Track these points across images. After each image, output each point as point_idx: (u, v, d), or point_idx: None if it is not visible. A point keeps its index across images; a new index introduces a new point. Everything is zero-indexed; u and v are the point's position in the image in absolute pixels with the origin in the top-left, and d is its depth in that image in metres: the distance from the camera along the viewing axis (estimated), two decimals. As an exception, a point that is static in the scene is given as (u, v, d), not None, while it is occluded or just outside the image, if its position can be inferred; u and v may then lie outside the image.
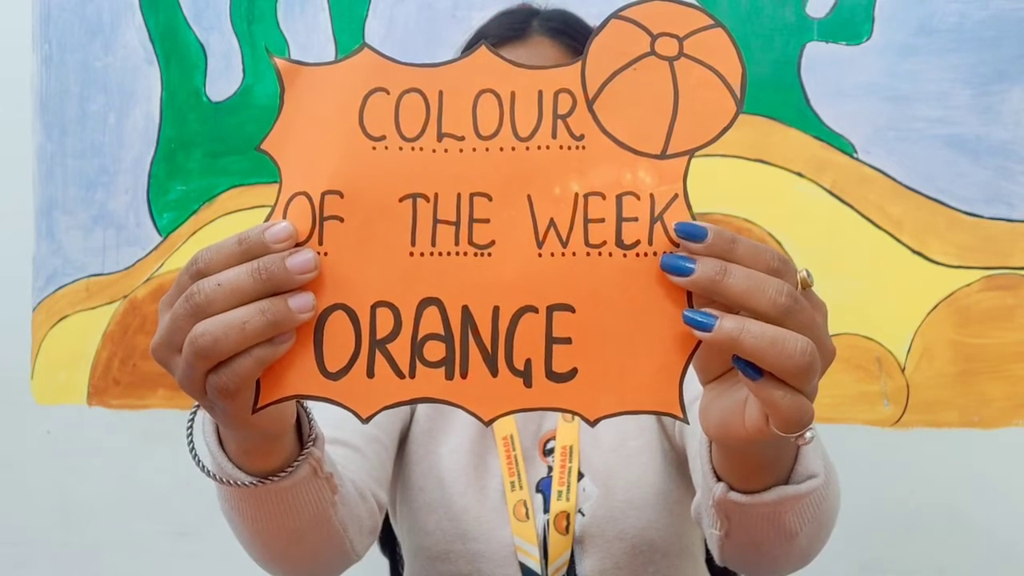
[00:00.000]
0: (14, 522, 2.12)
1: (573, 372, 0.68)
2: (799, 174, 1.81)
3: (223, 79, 2.02)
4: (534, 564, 1.21)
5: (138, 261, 2.06)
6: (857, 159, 1.79)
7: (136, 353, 2.05)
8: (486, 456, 1.28)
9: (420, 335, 0.68)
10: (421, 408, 1.31)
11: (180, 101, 2.04)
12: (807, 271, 0.68)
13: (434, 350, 0.68)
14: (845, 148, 1.79)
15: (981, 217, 1.75)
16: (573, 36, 1.30)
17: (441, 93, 0.70)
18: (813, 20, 1.80)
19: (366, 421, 0.68)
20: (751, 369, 0.65)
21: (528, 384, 0.68)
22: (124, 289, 2.06)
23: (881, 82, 1.78)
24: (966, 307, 1.76)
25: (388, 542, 1.47)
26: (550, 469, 1.26)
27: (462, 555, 1.23)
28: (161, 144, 2.04)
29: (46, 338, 2.10)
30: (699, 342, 0.67)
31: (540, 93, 0.70)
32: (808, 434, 0.69)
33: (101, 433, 2.08)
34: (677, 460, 1.27)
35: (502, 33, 1.31)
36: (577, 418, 1.25)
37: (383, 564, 1.50)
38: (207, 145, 2.02)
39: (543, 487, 1.25)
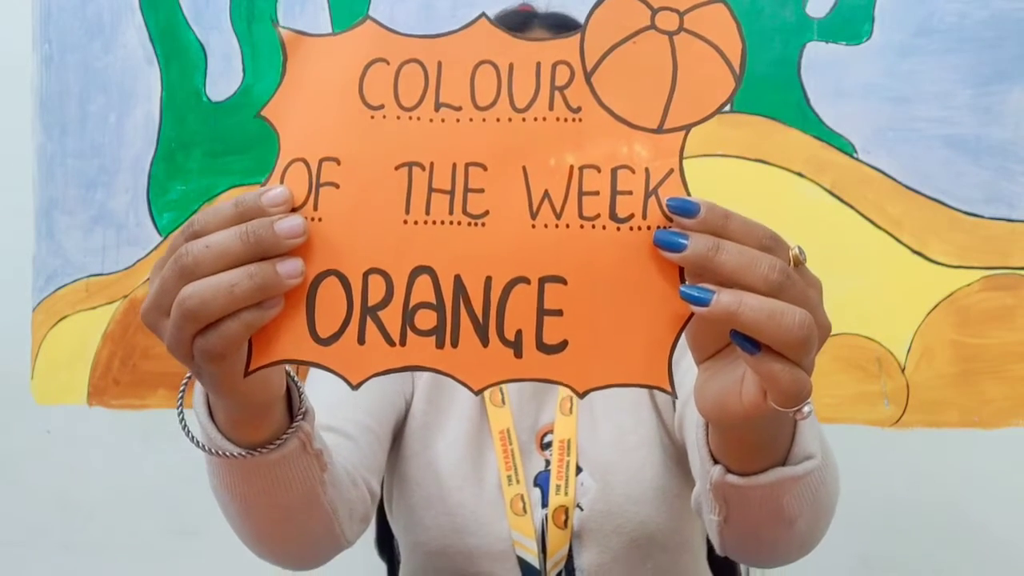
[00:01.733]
0: (14, 522, 2.12)
1: (563, 344, 0.68)
2: (799, 174, 1.80)
3: (223, 79, 2.02)
4: (532, 558, 1.21)
5: (138, 261, 2.06)
6: (857, 159, 1.79)
7: (136, 353, 2.05)
8: (483, 450, 1.27)
9: (412, 303, 0.68)
10: (417, 402, 1.31)
11: (180, 101, 2.04)
12: (799, 248, 0.68)
13: (425, 318, 0.68)
14: (845, 148, 1.79)
15: (981, 217, 1.75)
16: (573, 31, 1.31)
17: (440, 63, 0.71)
18: (813, 20, 1.80)
19: (356, 387, 0.68)
20: (749, 343, 0.65)
21: (518, 355, 0.68)
22: (124, 289, 2.06)
23: (881, 82, 1.78)
24: (966, 307, 1.76)
25: (386, 541, 1.47)
26: (548, 463, 1.26)
27: (459, 550, 1.23)
28: (161, 144, 2.04)
29: (46, 338, 2.10)
30: (690, 316, 0.67)
31: (538, 65, 0.70)
32: (806, 408, 0.69)
33: (101, 433, 2.08)
34: (676, 455, 1.27)
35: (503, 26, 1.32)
36: (575, 412, 1.26)
37: (382, 564, 1.50)
38: (207, 145, 2.02)
39: (541, 481, 1.25)
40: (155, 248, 2.05)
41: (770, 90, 1.81)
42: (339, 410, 1.14)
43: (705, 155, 1.78)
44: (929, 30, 1.77)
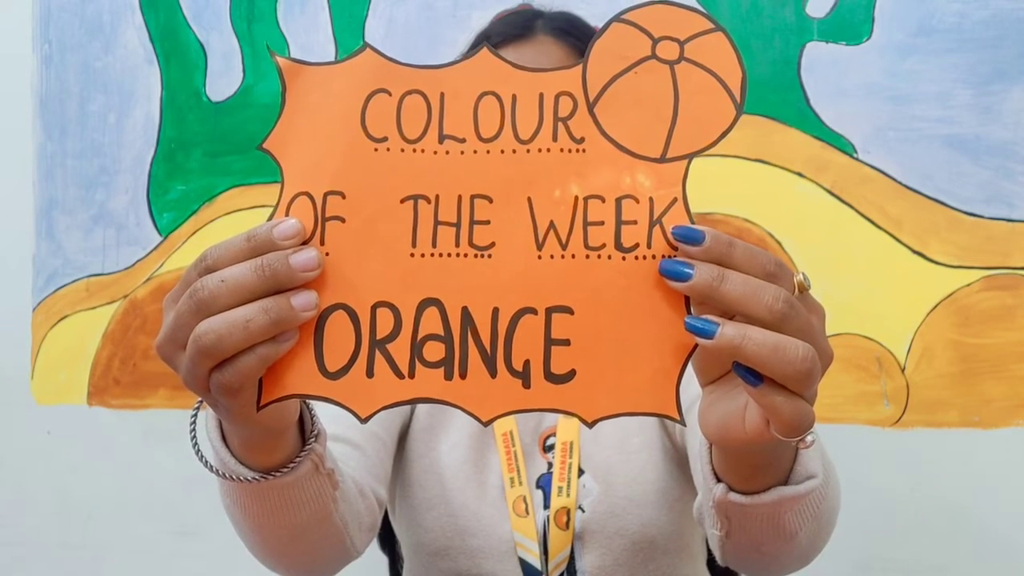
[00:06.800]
0: (14, 522, 2.12)
1: (571, 374, 0.68)
2: (799, 174, 1.80)
3: (223, 79, 2.02)
4: (534, 560, 1.21)
5: (138, 261, 2.06)
6: (857, 159, 1.78)
7: (136, 353, 2.05)
8: (486, 452, 1.28)
9: (420, 335, 0.68)
10: (421, 406, 1.31)
11: (180, 101, 2.04)
12: (804, 275, 0.68)
13: (433, 350, 0.68)
14: (845, 148, 1.79)
15: (981, 217, 1.75)
16: (578, 36, 1.31)
17: (443, 95, 0.71)
18: (813, 20, 1.80)
19: (365, 421, 0.69)
20: (752, 375, 0.65)
21: (527, 385, 0.68)
22: (124, 289, 2.06)
23: (881, 82, 1.78)
24: (966, 307, 1.76)
25: (388, 540, 1.47)
26: (550, 465, 1.26)
27: (461, 551, 1.23)
28: (161, 144, 2.05)
29: (46, 338, 2.10)
30: (696, 345, 0.67)
31: (541, 96, 0.70)
32: (809, 438, 0.69)
33: (101, 433, 2.08)
34: (678, 458, 1.27)
35: (507, 32, 1.31)
36: (577, 414, 1.26)
37: (383, 562, 1.50)
38: (207, 145, 2.03)
39: (543, 483, 1.25)
40: (155, 248, 2.05)
41: (770, 90, 1.81)
42: (346, 419, 1.14)
43: (705, 155, 1.78)
44: (929, 30, 1.77)
